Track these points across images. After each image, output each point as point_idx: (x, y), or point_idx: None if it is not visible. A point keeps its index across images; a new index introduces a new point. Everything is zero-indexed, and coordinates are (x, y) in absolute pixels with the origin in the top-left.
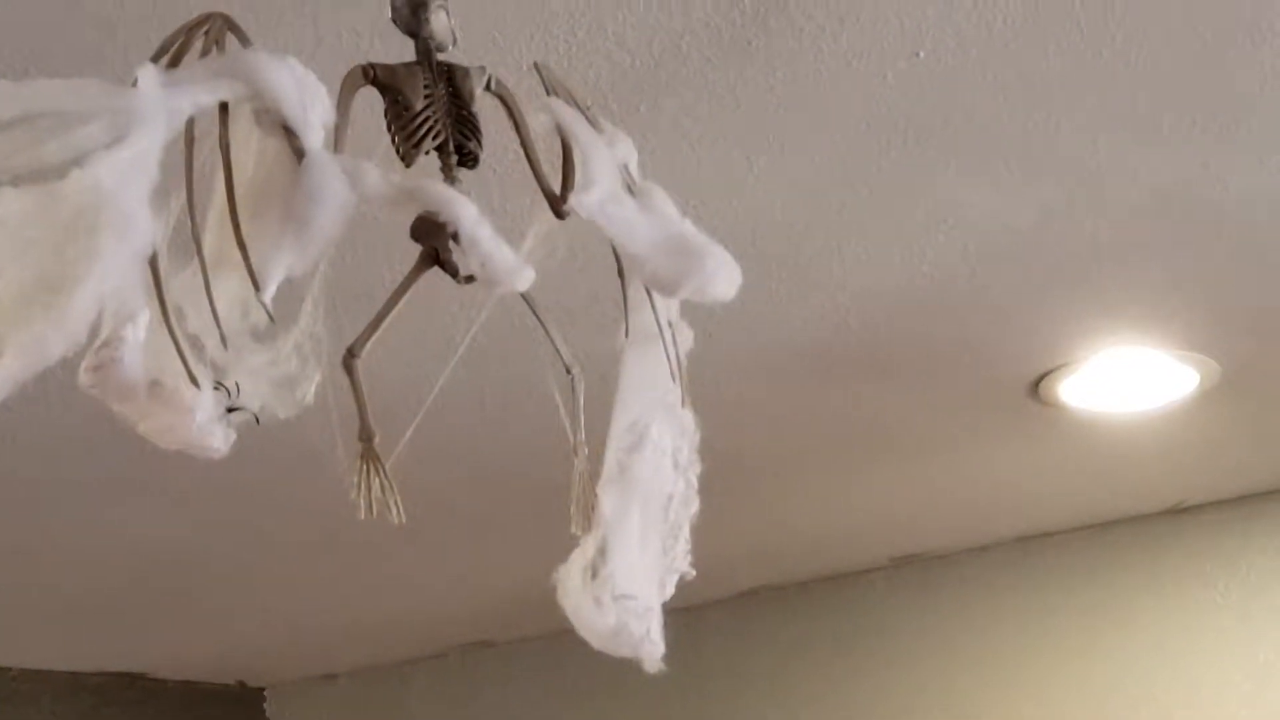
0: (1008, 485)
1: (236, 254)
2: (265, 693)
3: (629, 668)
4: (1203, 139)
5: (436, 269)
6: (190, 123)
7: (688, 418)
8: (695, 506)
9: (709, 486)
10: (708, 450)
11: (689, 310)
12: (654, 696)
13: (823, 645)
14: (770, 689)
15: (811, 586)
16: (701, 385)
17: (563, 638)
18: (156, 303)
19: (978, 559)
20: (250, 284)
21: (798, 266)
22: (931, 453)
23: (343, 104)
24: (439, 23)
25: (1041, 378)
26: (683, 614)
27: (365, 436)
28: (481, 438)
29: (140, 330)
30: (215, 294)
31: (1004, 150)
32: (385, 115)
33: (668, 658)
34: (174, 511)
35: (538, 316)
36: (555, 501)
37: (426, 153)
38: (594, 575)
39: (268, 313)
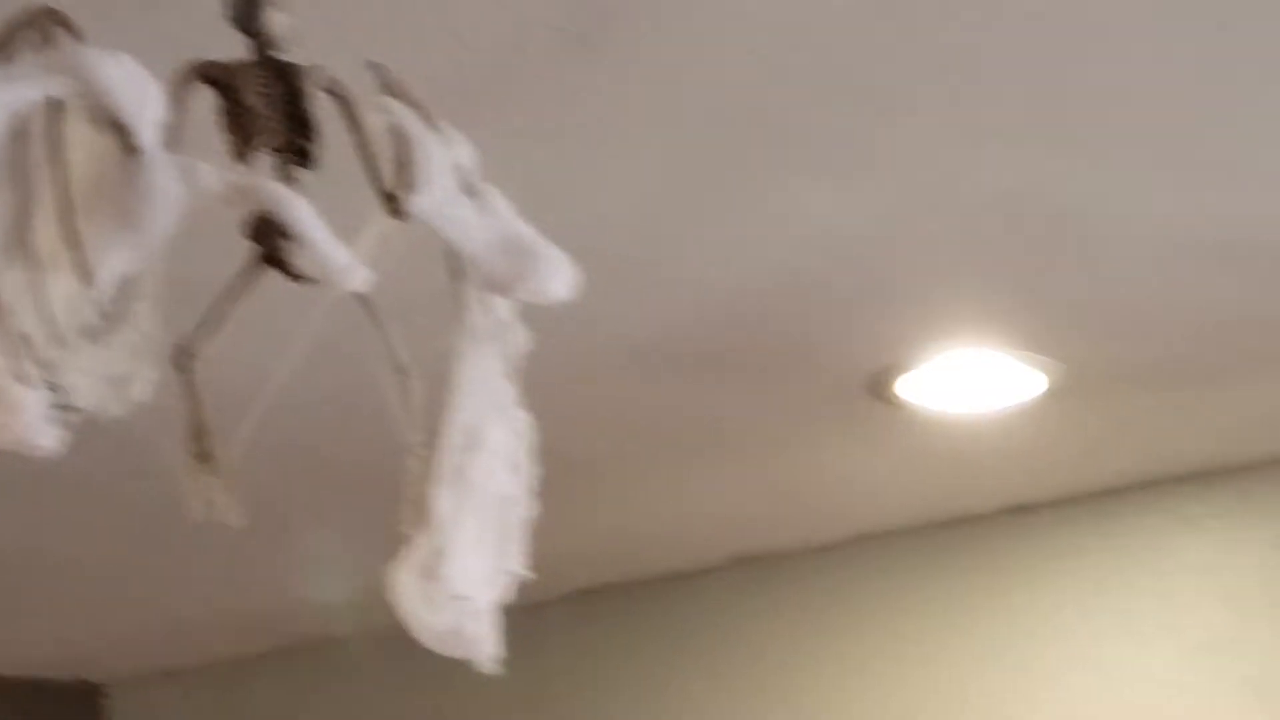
0: (849, 484)
1: (69, 251)
2: (106, 689)
3: (472, 665)
4: (1044, 142)
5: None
6: (19, 119)
7: (523, 419)
8: (531, 508)
9: (548, 485)
10: (546, 449)
11: (528, 308)
12: (496, 693)
13: (663, 644)
14: (611, 687)
15: (652, 585)
16: (540, 385)
17: (408, 634)
18: None
19: (818, 558)
20: (83, 281)
21: (639, 265)
22: (772, 451)
23: (177, 101)
24: (275, 20)
25: (883, 377)
26: (523, 612)
27: (199, 436)
28: (323, 435)
29: None
30: (47, 292)
31: (846, 150)
32: (220, 113)
33: (508, 656)
34: (8, 506)
35: (373, 317)
36: (397, 500)
37: (262, 151)
38: (428, 575)
39: (100, 310)
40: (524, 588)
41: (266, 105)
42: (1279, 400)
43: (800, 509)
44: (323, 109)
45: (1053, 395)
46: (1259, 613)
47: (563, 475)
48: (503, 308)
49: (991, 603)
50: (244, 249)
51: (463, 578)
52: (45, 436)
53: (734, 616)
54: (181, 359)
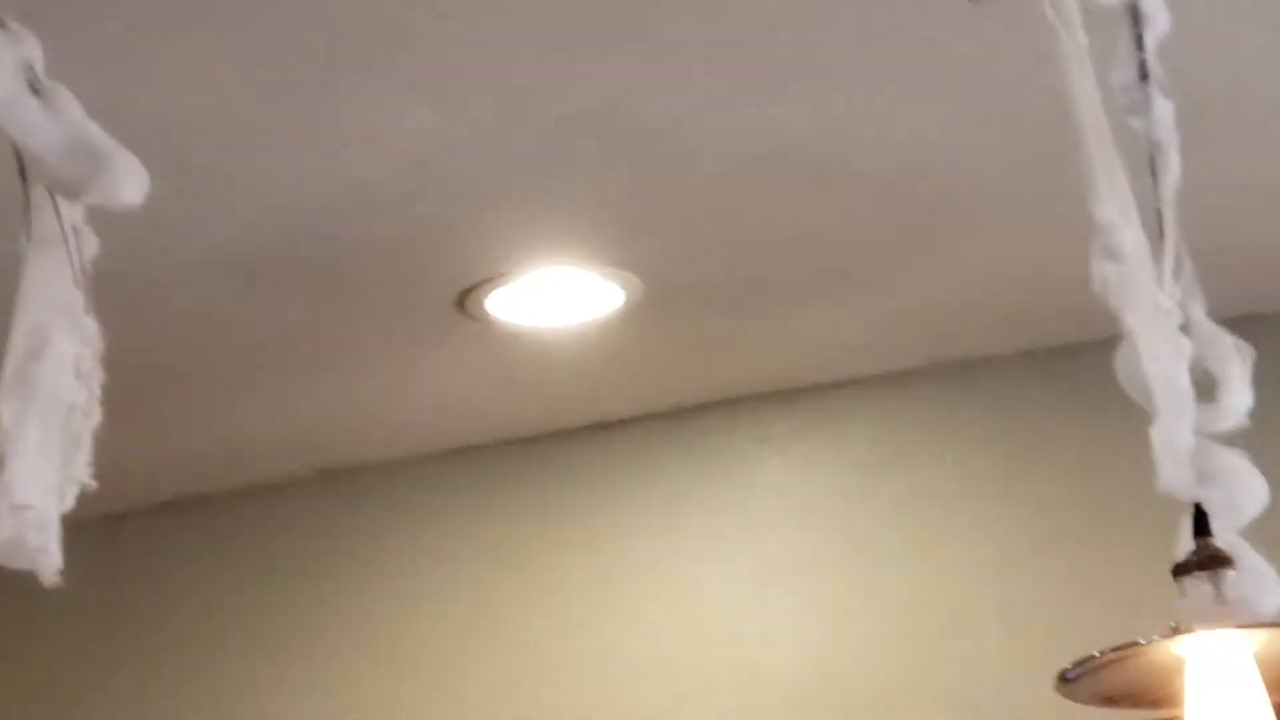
0: (435, 398)
1: None
2: None
3: (35, 576)
4: (628, 57)
5: None
6: None
7: (91, 325)
8: (96, 416)
9: (125, 395)
10: (121, 359)
11: (107, 216)
12: (74, 604)
13: (247, 556)
14: (192, 601)
15: (235, 497)
16: (117, 292)
17: None
18: None
19: (405, 471)
20: None
21: (222, 174)
22: (358, 364)
23: None
24: None
25: (469, 291)
26: (102, 523)
27: None
28: None
29: None
30: None
31: (431, 63)
32: None
33: (88, 567)
34: None
35: None
36: None
37: None
38: None
39: None
40: (104, 498)
41: None
42: (858, 320)
43: (388, 422)
44: None
45: (634, 311)
46: (836, 533)
47: (142, 385)
48: (72, 211)
49: (574, 519)
50: None
51: (25, 487)
52: None
53: (320, 529)
54: None
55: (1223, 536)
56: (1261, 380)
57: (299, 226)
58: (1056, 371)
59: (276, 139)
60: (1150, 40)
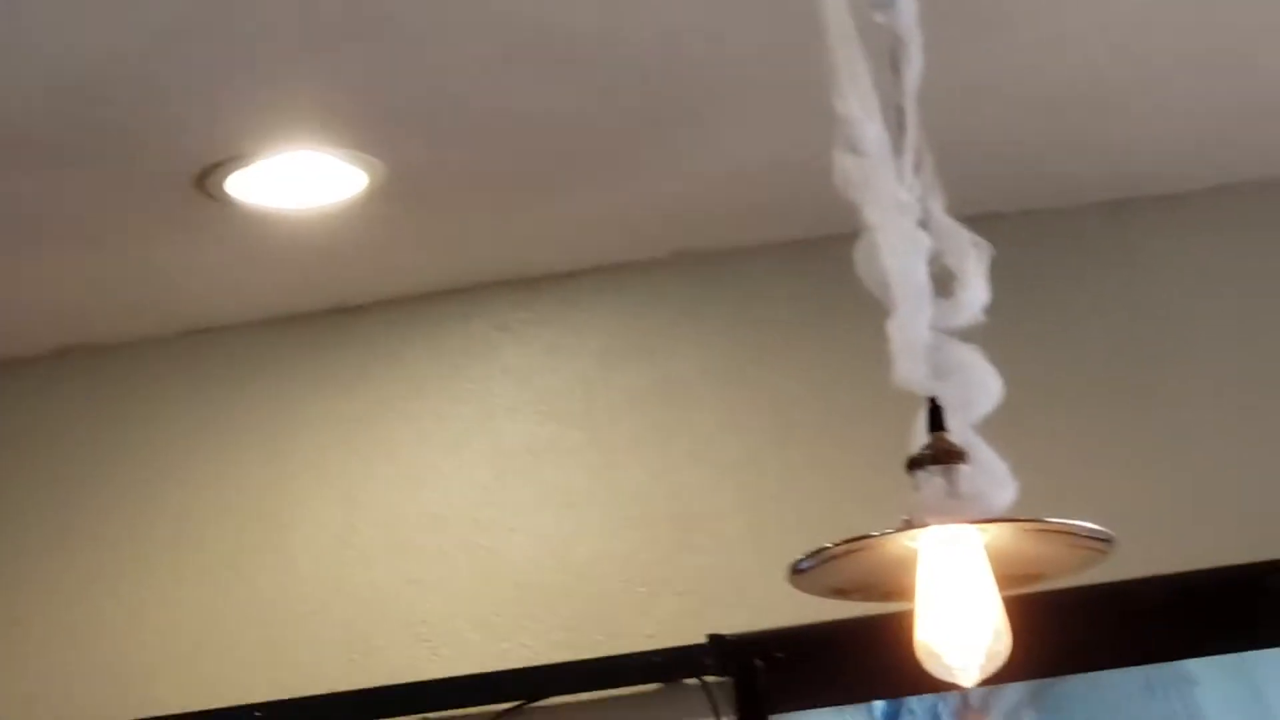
0: (175, 279)
1: None
2: None
3: None
4: None
5: None
6: None
7: None
8: None
9: None
10: None
11: None
12: None
13: None
14: None
15: None
16: None
17: None
18: None
19: (143, 352)
20: None
21: None
22: (96, 241)
23: None
24: None
25: (208, 171)
26: None
27: None
28: None
29: None
30: None
31: None
32: None
33: None
34: None
35: None
36: None
37: None
38: None
39: None
40: None
41: None
42: (602, 208)
43: (127, 302)
44: None
45: (376, 195)
46: (575, 422)
47: None
48: None
49: (313, 403)
50: None
51: None
52: None
53: (58, 408)
54: None
55: (957, 431)
56: (998, 277)
57: (34, 100)
58: (799, 265)
59: (8, 9)
60: None
